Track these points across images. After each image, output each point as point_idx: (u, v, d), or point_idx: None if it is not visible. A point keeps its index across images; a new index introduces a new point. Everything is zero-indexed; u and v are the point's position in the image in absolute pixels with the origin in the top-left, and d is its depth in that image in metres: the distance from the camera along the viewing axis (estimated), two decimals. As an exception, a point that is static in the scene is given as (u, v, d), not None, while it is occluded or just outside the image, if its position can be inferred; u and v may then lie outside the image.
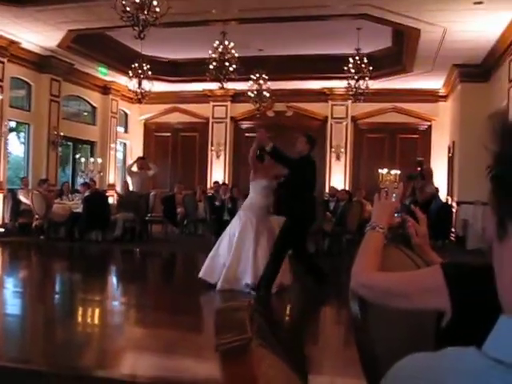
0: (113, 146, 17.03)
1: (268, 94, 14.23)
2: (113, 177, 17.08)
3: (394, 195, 1.93)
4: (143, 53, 13.24)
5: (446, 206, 13.23)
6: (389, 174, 15.83)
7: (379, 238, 1.85)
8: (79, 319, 6.17)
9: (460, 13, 9.63)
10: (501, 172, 0.66)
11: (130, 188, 13.48)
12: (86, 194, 12.49)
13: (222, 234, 7.71)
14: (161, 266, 10.93)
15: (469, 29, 10.42)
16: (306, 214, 7.13)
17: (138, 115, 18.43)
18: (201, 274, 7.45)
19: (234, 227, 7.50)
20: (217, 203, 11.85)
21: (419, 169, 9.98)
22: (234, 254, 7.23)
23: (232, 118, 17.65)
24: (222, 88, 12.59)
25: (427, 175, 9.44)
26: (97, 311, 6.59)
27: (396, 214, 1.94)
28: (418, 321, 1.85)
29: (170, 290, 8.16)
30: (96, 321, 6.20)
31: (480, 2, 9.01)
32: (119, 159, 18.12)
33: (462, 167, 13.42)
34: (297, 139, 7.37)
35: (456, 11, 9.58)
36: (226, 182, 16.73)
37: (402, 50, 12.96)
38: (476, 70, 12.98)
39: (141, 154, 17.34)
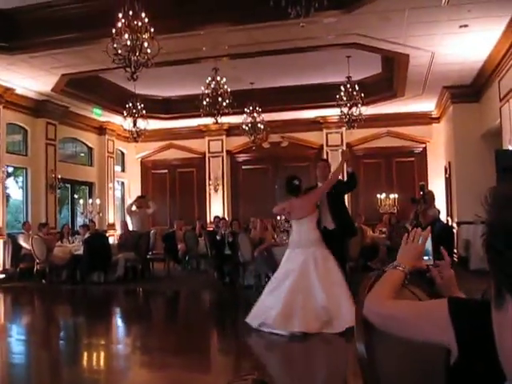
0: (111, 185, 17.09)
1: (262, 126, 14.32)
2: (112, 216, 17.09)
3: (421, 238, 1.95)
4: (137, 92, 13.38)
5: (448, 228, 13.21)
6: (387, 198, 15.87)
7: (398, 275, 1.88)
8: (85, 365, 6.12)
9: (446, 36, 9.77)
10: (492, 241, 0.67)
11: (130, 227, 13.47)
12: (86, 235, 12.50)
13: (285, 277, 7.08)
14: (165, 305, 10.86)
15: (456, 51, 10.56)
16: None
17: (135, 154, 18.53)
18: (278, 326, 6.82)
19: (309, 267, 7.01)
20: (218, 237, 11.83)
21: (421, 193, 10.02)
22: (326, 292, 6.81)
23: (228, 151, 17.75)
24: (217, 123, 12.68)
25: (429, 199, 9.46)
26: (102, 356, 6.53)
27: (427, 258, 1.96)
28: (427, 358, 1.85)
29: (176, 329, 8.08)
30: (102, 366, 6.14)
31: (465, 26, 9.15)
32: (118, 198, 18.16)
33: (459, 187, 13.46)
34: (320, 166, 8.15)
35: (442, 35, 9.73)
36: (226, 215, 16.75)
37: (392, 76, 13.11)
38: (466, 91, 13.12)
39: (139, 192, 17.42)
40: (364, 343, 1.98)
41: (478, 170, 12.35)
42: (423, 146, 16.81)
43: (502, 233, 0.66)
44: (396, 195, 16.00)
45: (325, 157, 16.88)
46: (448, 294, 1.95)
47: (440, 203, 15.05)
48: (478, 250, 11.97)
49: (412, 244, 1.96)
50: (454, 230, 13.42)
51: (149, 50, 8.04)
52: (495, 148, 10.54)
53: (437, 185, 15.90)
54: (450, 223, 14.16)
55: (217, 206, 17.48)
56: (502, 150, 10.01)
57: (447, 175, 15.12)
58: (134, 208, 13.76)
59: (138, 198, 14.45)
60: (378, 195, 15.98)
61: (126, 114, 12.97)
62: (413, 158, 16.91)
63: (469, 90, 13.10)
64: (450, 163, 14.58)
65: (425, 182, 11.38)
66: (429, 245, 1.96)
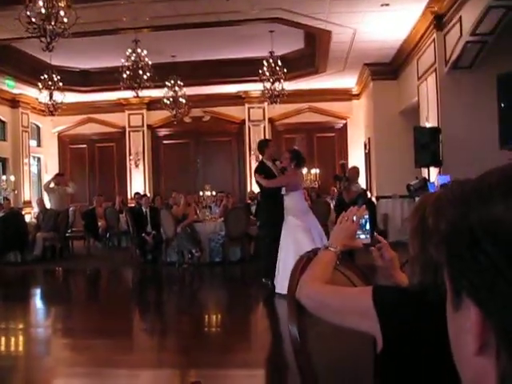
0: (26, 161, 16.34)
1: (184, 100, 14.07)
2: (28, 193, 16.39)
3: (355, 217, 1.92)
4: (53, 63, 12.77)
5: (371, 203, 13.54)
6: (309, 173, 16.08)
7: (330, 256, 1.86)
8: (2, 350, 5.86)
9: (368, 14, 9.89)
10: (454, 242, 0.62)
11: (48, 205, 13.00)
12: (0, 214, 11.94)
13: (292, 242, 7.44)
14: (86, 284, 10.58)
15: (377, 29, 10.73)
16: None
17: (51, 128, 17.78)
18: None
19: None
20: (144, 209, 11.61)
21: (343, 170, 10.23)
22: None
23: (149, 125, 17.37)
24: (137, 96, 12.36)
25: (353, 175, 9.70)
26: (21, 340, 6.27)
27: (364, 236, 1.93)
28: (357, 344, 1.85)
29: (98, 309, 7.87)
30: (20, 351, 5.90)
31: (387, 4, 9.29)
32: (34, 174, 17.42)
33: (378, 162, 13.81)
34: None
35: (364, 13, 9.84)
36: (147, 190, 16.48)
37: (314, 51, 13.17)
38: (386, 69, 13.40)
39: (56, 168, 16.87)
40: (297, 326, 1.97)
41: (397, 145, 12.70)
42: (344, 121, 17.09)
43: (467, 236, 0.61)
44: (317, 170, 16.26)
45: (247, 131, 16.90)
46: (390, 276, 1.95)
47: (360, 178, 15.44)
48: (396, 223, 12.42)
49: (345, 223, 1.93)
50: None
51: (65, 20, 7.67)
52: (413, 125, 10.86)
53: (357, 160, 16.23)
54: (369, 197, 14.51)
55: (138, 182, 17.14)
56: (419, 127, 10.32)
57: (367, 151, 15.48)
58: (52, 185, 13.25)
59: (57, 175, 13.91)
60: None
61: (41, 87, 12.40)
62: (333, 134, 17.18)
63: (388, 68, 13.39)
64: (369, 139, 14.92)
65: (345, 161, 11.53)
66: (367, 223, 1.93)
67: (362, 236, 1.94)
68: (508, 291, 0.55)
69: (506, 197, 0.59)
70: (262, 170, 8.14)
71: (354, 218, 1.92)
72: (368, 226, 1.95)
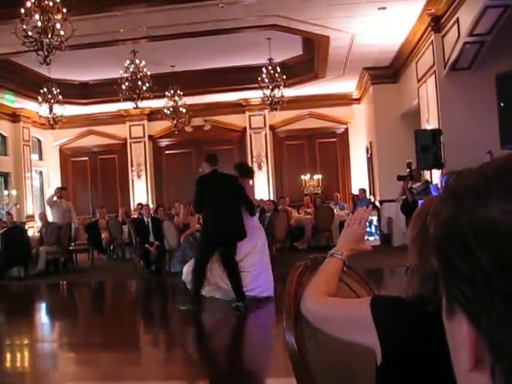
0: (28, 175, 16.34)
1: (184, 110, 14.09)
2: (31, 208, 16.36)
3: (361, 220, 1.85)
4: (52, 76, 12.79)
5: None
6: (312, 179, 16.05)
7: (336, 264, 1.80)
8: (8, 367, 5.79)
9: (366, 18, 9.87)
10: (445, 247, 0.55)
11: (50, 219, 12.96)
12: (3, 229, 11.90)
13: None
14: (91, 297, 10.52)
15: (375, 33, 10.70)
16: None
17: (52, 141, 17.79)
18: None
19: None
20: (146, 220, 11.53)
21: (408, 170, 10.08)
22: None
23: (150, 136, 17.37)
24: (137, 107, 12.37)
25: (416, 175, 9.54)
26: (27, 356, 6.22)
27: (373, 238, 1.86)
28: (359, 356, 1.80)
29: (103, 322, 7.81)
30: (27, 367, 5.84)
31: (384, 8, 9.26)
32: (36, 188, 17.40)
33: (381, 166, 13.75)
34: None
35: (362, 17, 9.82)
36: (150, 201, 16.45)
37: (313, 57, 13.16)
38: (385, 72, 13.37)
39: (59, 181, 16.91)
40: (294, 336, 1.92)
41: (398, 149, 12.64)
42: (345, 126, 17.04)
43: (458, 242, 0.54)
44: (320, 176, 16.21)
45: (248, 139, 16.87)
46: None
47: (363, 182, 15.41)
48: (401, 226, 12.33)
49: (352, 227, 1.86)
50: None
51: (62, 32, 7.66)
52: (414, 127, 10.82)
53: (359, 164, 16.24)
54: (372, 201, 14.44)
55: (140, 193, 17.11)
56: (420, 130, 10.27)
57: (369, 155, 15.43)
58: (55, 199, 13.21)
59: (59, 189, 13.87)
60: (302, 176, 16.14)
61: (41, 100, 12.40)
62: (335, 139, 17.13)
63: (388, 71, 13.37)
64: (371, 143, 14.87)
65: (411, 160, 11.10)
66: (372, 224, 1.86)
67: (371, 238, 1.87)
68: (502, 308, 0.49)
69: (505, 196, 0.51)
70: None
71: (362, 221, 1.85)
72: (374, 228, 1.88)
